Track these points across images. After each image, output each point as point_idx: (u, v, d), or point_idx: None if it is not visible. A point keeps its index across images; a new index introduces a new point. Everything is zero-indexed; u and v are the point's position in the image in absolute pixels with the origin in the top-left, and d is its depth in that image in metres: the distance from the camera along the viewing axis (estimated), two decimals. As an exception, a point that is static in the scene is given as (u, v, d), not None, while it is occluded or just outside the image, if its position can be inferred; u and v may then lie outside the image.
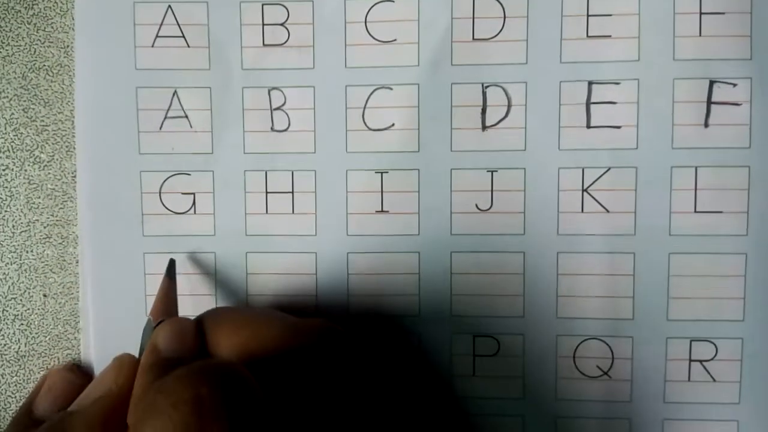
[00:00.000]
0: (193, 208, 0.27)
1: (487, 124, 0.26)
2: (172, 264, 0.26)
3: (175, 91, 0.27)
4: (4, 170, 0.28)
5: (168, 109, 0.27)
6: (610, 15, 0.26)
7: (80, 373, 0.27)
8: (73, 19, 0.27)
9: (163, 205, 0.27)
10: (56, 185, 0.28)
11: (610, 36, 0.26)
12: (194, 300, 0.27)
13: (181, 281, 0.27)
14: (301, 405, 0.19)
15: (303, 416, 0.19)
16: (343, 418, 0.20)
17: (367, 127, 0.27)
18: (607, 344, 0.27)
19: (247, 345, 0.20)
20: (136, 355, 0.22)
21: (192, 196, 0.27)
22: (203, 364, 0.18)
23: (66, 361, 0.29)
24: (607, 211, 0.26)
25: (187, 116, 0.27)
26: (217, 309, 0.23)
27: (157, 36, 0.27)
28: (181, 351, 0.21)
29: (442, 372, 0.27)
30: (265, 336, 0.20)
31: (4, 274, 0.28)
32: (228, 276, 0.27)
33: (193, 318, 0.22)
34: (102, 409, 0.20)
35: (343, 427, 0.20)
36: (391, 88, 0.27)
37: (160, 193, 0.27)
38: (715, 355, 0.26)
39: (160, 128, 0.27)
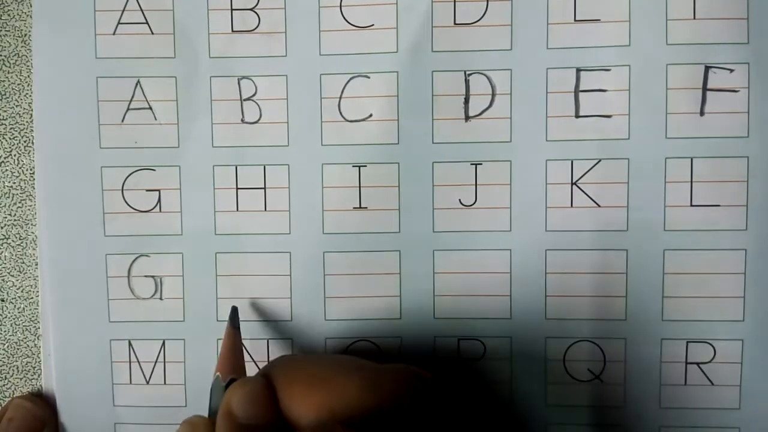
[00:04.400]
0: (158, 205, 0.26)
1: (471, 114, 0.25)
2: (235, 312, 0.25)
3: (138, 81, 0.26)
4: (-43, 167, 0.27)
5: (130, 101, 0.26)
6: (599, -3, 0.25)
7: (42, 402, 0.26)
8: (30, 5, 0.26)
9: (126, 203, 0.26)
10: (14, 183, 0.27)
11: (599, 20, 0.25)
12: (162, 304, 0.26)
13: (148, 284, 0.26)
14: None
15: None
16: None
17: (344, 118, 0.26)
18: (599, 346, 0.26)
19: (327, 404, 0.19)
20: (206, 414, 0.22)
21: (157, 193, 0.26)
22: (315, 428, 0.17)
23: (26, 372, 0.27)
24: (598, 206, 0.25)
25: (151, 108, 0.26)
26: (285, 362, 0.21)
27: (118, 23, 0.26)
28: (258, 416, 0.20)
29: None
30: (343, 393, 0.19)
31: (-42, 277, 0.27)
32: (196, 278, 0.26)
33: (259, 374, 0.21)
34: None
35: None
36: (368, 77, 0.25)
37: (122, 190, 0.26)
38: (714, 357, 0.25)
39: (122, 121, 0.26)
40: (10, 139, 0.27)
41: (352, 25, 0.25)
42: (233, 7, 0.26)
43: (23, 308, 0.27)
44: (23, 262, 0.27)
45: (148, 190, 0.26)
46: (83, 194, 0.26)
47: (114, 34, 0.26)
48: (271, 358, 0.26)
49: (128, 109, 0.26)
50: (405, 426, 0.19)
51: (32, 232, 0.27)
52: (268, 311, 0.26)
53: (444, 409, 0.20)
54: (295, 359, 0.22)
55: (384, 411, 0.19)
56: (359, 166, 0.26)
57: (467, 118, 0.25)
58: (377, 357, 0.26)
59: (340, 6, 0.25)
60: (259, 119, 0.26)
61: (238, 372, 0.23)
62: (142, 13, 0.26)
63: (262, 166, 0.26)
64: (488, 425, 0.26)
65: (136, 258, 0.26)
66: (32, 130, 0.26)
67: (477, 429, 0.23)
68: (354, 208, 0.26)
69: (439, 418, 0.20)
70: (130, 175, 0.26)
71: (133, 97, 0.26)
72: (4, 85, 0.27)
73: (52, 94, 0.26)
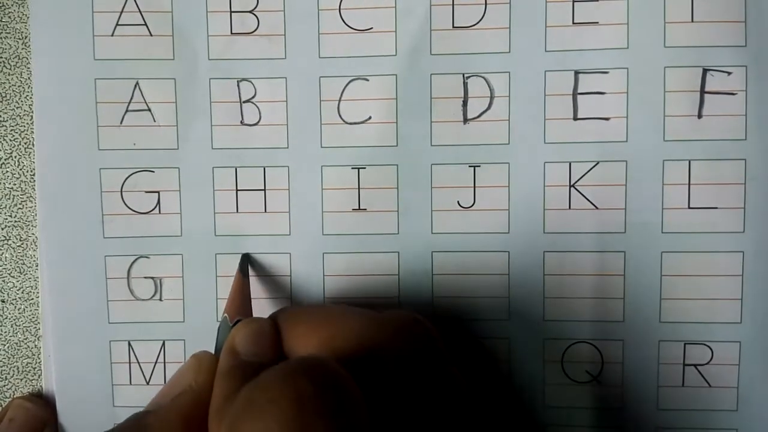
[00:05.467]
0: (157, 207, 0.26)
1: (469, 116, 0.25)
2: (245, 259, 0.25)
3: (137, 83, 0.26)
4: (-43, 168, 0.27)
5: (129, 102, 0.26)
6: (597, 0, 0.25)
7: (42, 403, 0.26)
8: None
9: (125, 205, 0.26)
10: (14, 184, 0.27)
11: (597, 22, 0.25)
12: (162, 305, 0.26)
13: (147, 285, 0.26)
14: (395, 404, 0.18)
15: (398, 415, 0.18)
16: (438, 416, 0.19)
17: (343, 120, 0.26)
18: (597, 348, 0.26)
19: (328, 343, 0.19)
20: (212, 351, 0.22)
21: (156, 194, 0.26)
22: (302, 360, 0.17)
23: (27, 373, 0.27)
24: (596, 208, 0.25)
25: (150, 109, 0.26)
26: (290, 307, 0.22)
27: (117, 24, 0.26)
28: (261, 353, 0.20)
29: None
30: (345, 332, 0.20)
31: (-41, 278, 0.27)
32: (196, 279, 0.26)
33: (268, 317, 0.21)
34: (181, 408, 0.20)
35: (441, 424, 0.19)
36: (367, 79, 0.25)
37: (121, 191, 0.26)
38: (711, 359, 0.25)
39: (121, 122, 0.26)
40: (10, 140, 0.27)
41: (351, 27, 0.25)
42: (232, 9, 0.26)
43: (24, 309, 0.27)
44: (24, 264, 0.27)
45: (147, 192, 0.26)
46: (82, 196, 0.26)
47: (112, 35, 0.26)
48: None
49: (127, 111, 0.26)
50: (406, 368, 0.19)
51: (33, 234, 0.27)
52: (268, 311, 0.26)
53: (446, 360, 0.20)
54: (299, 306, 0.23)
55: (385, 352, 0.19)
56: (358, 168, 0.26)
57: (466, 120, 0.25)
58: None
59: (339, 9, 0.25)
60: (258, 121, 0.26)
61: (245, 315, 0.23)
62: (141, 14, 0.26)
63: (262, 168, 0.26)
64: (486, 426, 0.26)
65: (136, 259, 0.26)
66: (33, 132, 0.26)
67: (476, 424, 0.23)
68: (353, 209, 0.26)
69: (440, 363, 0.20)
70: (128, 176, 0.26)
71: (131, 99, 0.26)
72: (4, 87, 0.27)
73: (50, 96, 0.26)
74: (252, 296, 0.26)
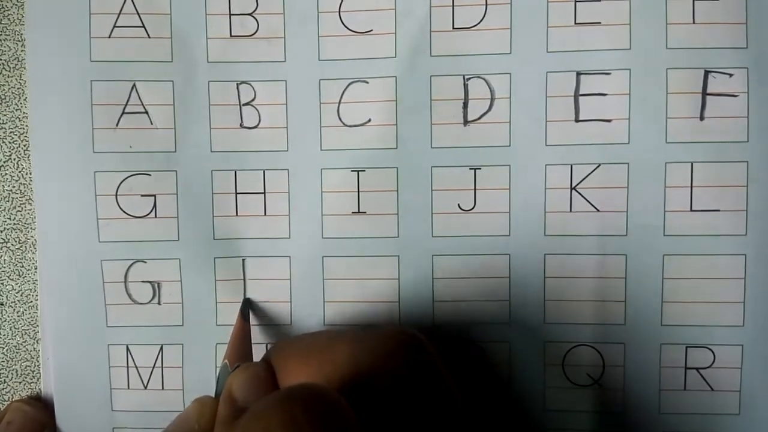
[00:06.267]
0: (153, 211, 0.26)
1: (469, 118, 0.25)
2: (246, 304, 0.25)
3: (134, 85, 0.26)
4: (-45, 171, 0.27)
5: (126, 104, 0.26)
6: (599, 0, 0.25)
7: (41, 406, 0.26)
8: (28, 9, 0.26)
9: (120, 209, 0.26)
10: (13, 186, 0.27)
11: (599, 23, 0.25)
12: (160, 309, 0.26)
13: (145, 289, 0.26)
14: (391, 424, 0.18)
15: None
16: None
17: (343, 122, 0.25)
18: (598, 351, 0.25)
19: (320, 372, 0.19)
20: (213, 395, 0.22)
21: (152, 198, 0.26)
22: (293, 387, 0.17)
23: (26, 376, 0.27)
24: (598, 210, 0.25)
25: (146, 112, 0.26)
26: (281, 343, 0.22)
27: (114, 26, 0.26)
28: (257, 399, 0.20)
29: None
30: (335, 359, 0.20)
31: (-43, 281, 0.27)
32: (195, 283, 0.26)
33: (261, 359, 0.22)
34: None
35: None
36: (367, 82, 0.25)
37: (116, 195, 0.26)
38: (713, 362, 0.25)
39: (117, 125, 0.26)
40: (9, 143, 0.27)
41: (350, 30, 0.25)
42: (232, 12, 0.25)
43: (22, 312, 0.27)
44: (22, 266, 0.27)
45: (143, 196, 0.26)
46: (77, 199, 0.26)
47: (109, 37, 0.25)
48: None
49: (123, 113, 0.26)
50: (402, 388, 0.19)
51: (31, 236, 0.27)
52: (267, 315, 0.26)
53: (441, 371, 0.20)
54: (289, 339, 0.22)
55: (378, 374, 0.19)
56: (358, 171, 0.26)
57: (466, 122, 0.25)
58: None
59: (339, 11, 0.25)
60: (257, 124, 0.26)
61: (245, 359, 0.23)
62: (139, 16, 0.25)
63: (261, 171, 0.26)
64: (487, 429, 0.26)
65: (133, 263, 0.26)
66: (30, 134, 0.26)
67: (475, 425, 0.23)
68: (353, 212, 0.26)
69: (438, 379, 0.20)
70: (124, 180, 0.26)
71: (128, 101, 0.26)
72: (3, 90, 0.27)
73: (45, 98, 0.26)
74: (255, 300, 0.26)
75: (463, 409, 0.19)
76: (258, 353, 0.26)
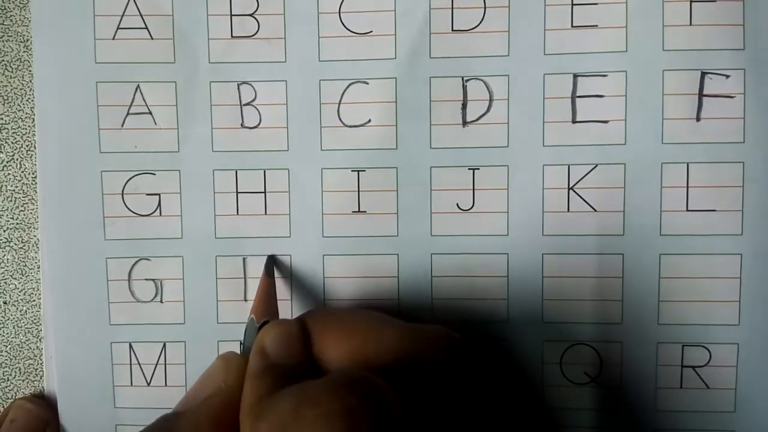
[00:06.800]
0: (158, 209, 0.26)
1: (468, 119, 0.25)
2: (270, 261, 0.25)
3: (138, 86, 0.26)
4: (-41, 171, 0.27)
5: (130, 105, 0.26)
6: (596, 3, 0.25)
7: (44, 404, 0.26)
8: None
9: (126, 207, 0.26)
10: (16, 186, 0.27)
11: (596, 26, 0.25)
12: (163, 307, 0.26)
13: (148, 287, 0.26)
14: (430, 417, 0.18)
15: (432, 429, 0.18)
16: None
17: (343, 123, 0.26)
18: (596, 349, 0.26)
19: (361, 352, 0.19)
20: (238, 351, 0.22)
21: (157, 197, 0.26)
22: (348, 375, 0.17)
23: (29, 374, 0.27)
24: (595, 210, 0.25)
25: (150, 112, 0.26)
26: (321, 310, 0.22)
27: (118, 28, 0.26)
28: (290, 356, 0.20)
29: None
30: (378, 342, 0.19)
31: (-39, 280, 0.27)
32: (197, 281, 0.26)
33: (295, 319, 0.21)
34: (211, 409, 0.19)
35: None
36: (367, 83, 0.26)
37: (122, 194, 0.26)
38: (709, 360, 0.25)
39: (122, 125, 0.26)
40: (12, 143, 0.27)
41: (350, 31, 0.26)
42: (233, 13, 0.26)
43: (26, 311, 0.27)
44: (25, 265, 0.27)
45: (148, 194, 0.26)
46: (83, 198, 0.26)
47: (113, 39, 0.26)
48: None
49: (128, 114, 0.26)
50: (443, 385, 0.19)
51: (34, 236, 0.27)
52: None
53: (479, 374, 0.20)
54: (332, 308, 0.22)
55: (420, 364, 0.19)
56: (358, 171, 0.26)
57: (465, 123, 0.25)
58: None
59: (339, 12, 0.25)
60: (258, 124, 0.26)
61: (272, 316, 0.23)
62: (142, 18, 0.26)
63: (262, 171, 0.26)
64: (485, 427, 0.26)
65: (137, 261, 0.26)
66: (35, 135, 0.27)
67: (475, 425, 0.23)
68: (353, 212, 0.26)
69: (476, 382, 0.20)
70: (130, 179, 0.26)
71: (132, 101, 0.26)
72: (6, 90, 0.27)
73: (52, 99, 0.26)
74: (251, 299, 0.26)
75: (503, 414, 0.19)
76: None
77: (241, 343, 0.22)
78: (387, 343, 0.19)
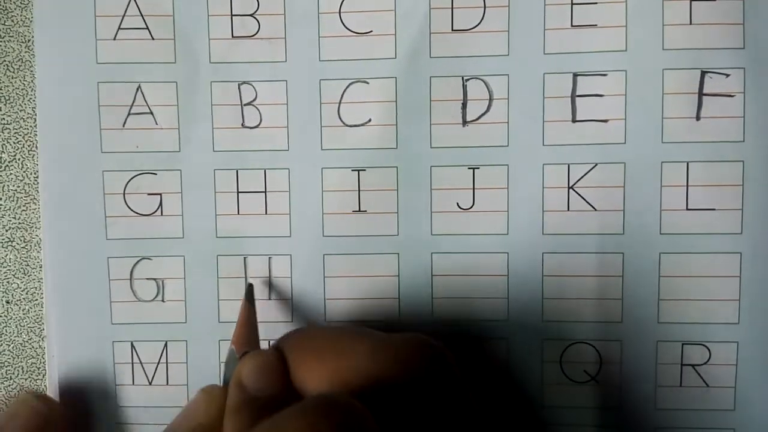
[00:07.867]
0: (159, 209, 0.26)
1: (468, 118, 0.25)
2: (250, 289, 0.25)
3: (139, 86, 0.26)
4: (-38, 171, 0.27)
5: (131, 105, 0.26)
6: (596, 3, 0.25)
7: (46, 400, 0.26)
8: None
9: (128, 207, 0.26)
10: (18, 186, 0.27)
11: (595, 25, 0.25)
12: (164, 306, 0.26)
13: (150, 286, 0.26)
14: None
15: None
16: None
17: (343, 122, 0.26)
18: (595, 348, 0.26)
19: (338, 374, 0.19)
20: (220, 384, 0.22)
21: (158, 196, 0.26)
22: (319, 399, 0.17)
23: (31, 373, 0.27)
24: (595, 209, 0.25)
25: (152, 112, 0.26)
26: (296, 334, 0.21)
27: (119, 28, 0.26)
28: (268, 387, 0.20)
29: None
30: (355, 362, 0.19)
31: (-36, 279, 0.27)
32: (198, 280, 0.26)
33: (272, 347, 0.21)
34: None
35: None
36: (367, 82, 0.26)
37: (124, 193, 0.26)
38: (709, 359, 0.25)
39: (124, 125, 0.26)
40: (14, 143, 0.27)
41: (351, 31, 0.26)
42: (233, 13, 0.26)
43: (28, 310, 0.27)
44: (28, 265, 0.27)
45: (149, 194, 0.26)
46: (85, 198, 0.26)
47: (115, 39, 0.26)
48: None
49: (129, 114, 0.26)
50: (422, 398, 0.19)
51: (36, 235, 0.27)
52: (268, 313, 0.26)
53: (461, 381, 0.20)
54: (306, 331, 0.22)
55: (398, 380, 0.19)
56: (358, 170, 0.26)
57: (465, 122, 0.26)
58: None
59: (340, 12, 0.26)
60: (259, 124, 0.26)
61: (252, 346, 0.23)
62: (143, 18, 0.26)
63: (263, 170, 0.26)
64: (484, 426, 0.26)
65: (138, 261, 0.26)
66: (36, 134, 0.27)
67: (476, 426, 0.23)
68: (353, 211, 0.26)
69: (457, 389, 0.19)
70: (131, 179, 0.26)
71: (134, 101, 0.26)
72: (8, 90, 0.27)
73: (54, 99, 0.26)
74: (256, 297, 0.26)
75: (482, 422, 0.19)
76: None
77: (222, 376, 0.22)
78: (364, 361, 0.19)
